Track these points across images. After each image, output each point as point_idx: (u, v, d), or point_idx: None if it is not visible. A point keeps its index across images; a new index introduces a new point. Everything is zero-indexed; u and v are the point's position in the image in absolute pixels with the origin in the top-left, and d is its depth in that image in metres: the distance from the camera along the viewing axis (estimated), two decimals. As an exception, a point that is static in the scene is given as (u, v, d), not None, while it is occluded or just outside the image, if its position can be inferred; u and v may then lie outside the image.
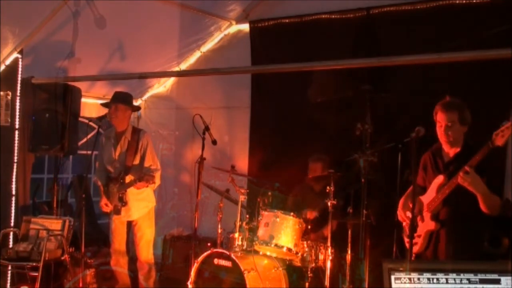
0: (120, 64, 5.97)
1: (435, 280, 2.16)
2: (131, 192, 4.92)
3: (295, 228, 4.59)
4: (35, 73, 5.31)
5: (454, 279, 2.16)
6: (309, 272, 4.60)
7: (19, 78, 5.22)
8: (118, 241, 5.11)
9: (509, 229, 3.78)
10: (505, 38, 4.29)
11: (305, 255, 4.63)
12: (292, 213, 4.64)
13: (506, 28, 4.37)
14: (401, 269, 2.17)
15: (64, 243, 4.69)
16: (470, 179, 3.31)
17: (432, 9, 4.98)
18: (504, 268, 2.17)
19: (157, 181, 4.95)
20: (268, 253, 4.71)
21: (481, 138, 3.39)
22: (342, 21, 5.52)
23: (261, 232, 4.65)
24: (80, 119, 5.54)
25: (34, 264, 4.53)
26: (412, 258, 3.64)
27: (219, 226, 5.02)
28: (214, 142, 4.85)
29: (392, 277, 2.17)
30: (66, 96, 5.19)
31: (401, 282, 2.16)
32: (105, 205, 4.96)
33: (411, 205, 3.67)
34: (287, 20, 5.90)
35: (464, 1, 4.82)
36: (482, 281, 2.15)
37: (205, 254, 4.67)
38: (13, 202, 5.20)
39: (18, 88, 5.23)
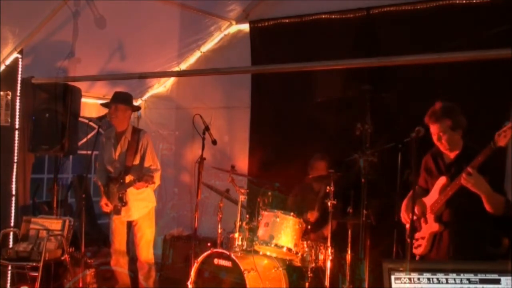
0: (120, 64, 5.97)
1: (435, 280, 2.16)
2: (131, 192, 4.92)
3: (295, 228, 4.59)
4: (35, 73, 5.31)
5: (454, 279, 2.16)
6: (309, 272, 4.60)
7: (19, 78, 5.22)
8: (118, 241, 5.11)
9: (510, 229, 3.79)
10: (505, 38, 4.29)
11: (305, 255, 4.63)
12: (292, 213, 4.63)
13: (506, 28, 4.37)
14: (401, 269, 2.17)
15: (64, 243, 4.69)
16: (474, 180, 3.31)
17: (432, 9, 4.98)
18: (504, 268, 2.17)
19: (157, 181, 4.95)
20: (268, 253, 4.71)
21: (481, 138, 3.39)
22: (342, 21, 5.52)
23: (261, 232, 4.65)
24: (80, 119, 5.54)
25: (34, 264, 4.53)
26: (416, 260, 3.65)
27: (219, 226, 5.02)
28: (214, 142, 4.85)
29: (392, 277, 2.17)
30: (66, 96, 5.19)
31: (401, 282, 2.16)
32: (105, 205, 4.96)
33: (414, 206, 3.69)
34: (287, 20, 5.90)
35: (464, 1, 4.82)
36: (482, 281, 2.15)
37: (205, 254, 4.67)
38: (13, 202, 5.20)
39: (18, 88, 5.23)
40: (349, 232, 4.44)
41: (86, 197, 6.69)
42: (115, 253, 5.14)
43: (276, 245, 4.53)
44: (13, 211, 5.18)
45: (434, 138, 3.59)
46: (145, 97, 7.03)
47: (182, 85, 6.81)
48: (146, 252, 5.13)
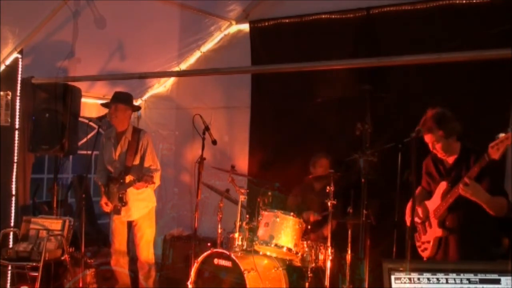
0: (120, 64, 5.97)
1: (435, 280, 2.16)
2: (132, 192, 4.92)
3: (295, 228, 4.59)
4: (35, 73, 5.31)
5: (454, 279, 2.16)
6: (309, 272, 4.60)
7: (19, 78, 5.22)
8: (119, 241, 5.11)
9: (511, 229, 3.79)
10: (505, 38, 4.29)
11: (305, 255, 4.63)
12: (292, 213, 4.64)
13: (506, 28, 4.36)
14: (401, 269, 2.17)
15: (64, 243, 4.69)
16: (471, 191, 3.31)
17: (432, 9, 4.98)
18: (504, 268, 2.17)
19: (157, 181, 4.95)
20: (268, 253, 4.71)
21: (481, 138, 3.38)
22: (342, 21, 5.52)
23: (261, 232, 4.65)
24: (80, 119, 5.54)
25: (34, 264, 4.53)
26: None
27: (219, 226, 5.02)
28: (214, 142, 4.85)
29: (392, 277, 2.17)
30: (66, 96, 5.19)
31: (401, 282, 2.16)
32: (105, 204, 4.96)
33: (418, 209, 3.69)
34: (287, 20, 5.90)
35: (464, 1, 4.82)
36: (482, 281, 2.15)
37: (205, 254, 4.67)
38: (13, 202, 5.20)
39: (18, 88, 5.23)
40: (349, 232, 4.44)
41: (86, 197, 6.69)
42: (115, 253, 5.14)
43: (276, 245, 4.53)
44: (13, 211, 5.18)
45: (429, 146, 3.60)
46: (145, 97, 7.03)
47: (182, 85, 6.81)
48: (146, 252, 5.13)
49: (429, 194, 3.73)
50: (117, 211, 4.92)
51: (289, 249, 4.54)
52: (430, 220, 3.64)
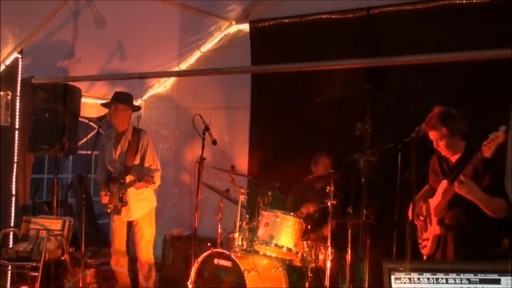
0: (120, 64, 5.97)
1: (435, 280, 2.16)
2: (132, 192, 4.92)
3: (295, 228, 4.59)
4: (35, 73, 5.31)
5: (454, 279, 2.16)
6: (309, 272, 4.60)
7: (19, 78, 5.22)
8: (119, 241, 5.11)
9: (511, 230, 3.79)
10: (505, 38, 4.29)
11: (305, 255, 4.63)
12: (292, 213, 4.64)
13: (506, 28, 4.37)
14: (401, 269, 2.17)
15: (64, 243, 4.69)
16: (466, 188, 3.32)
17: (432, 9, 4.98)
18: (504, 268, 2.17)
19: (157, 181, 4.95)
20: (268, 253, 4.71)
21: (481, 138, 3.38)
22: (342, 21, 5.52)
23: (261, 232, 4.65)
24: (80, 119, 5.54)
25: (34, 264, 4.54)
26: (424, 260, 3.65)
27: (219, 226, 5.02)
28: (214, 142, 4.85)
29: (392, 277, 2.17)
30: (66, 96, 5.19)
31: (401, 282, 2.16)
32: (104, 195, 4.93)
33: (422, 205, 3.72)
34: (287, 20, 5.90)
35: (464, 1, 4.82)
36: (482, 281, 2.15)
37: (205, 254, 4.67)
38: (13, 202, 5.20)
39: (18, 88, 5.23)
40: (349, 232, 4.44)
41: (86, 197, 6.69)
42: (115, 253, 5.13)
43: (276, 245, 4.53)
44: (13, 211, 5.18)
45: (433, 143, 3.61)
46: (145, 97, 7.03)
47: (182, 85, 6.81)
48: (146, 252, 5.12)
49: (433, 192, 3.74)
50: (117, 211, 4.92)
51: (289, 249, 4.54)
52: (431, 217, 3.65)
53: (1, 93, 5.20)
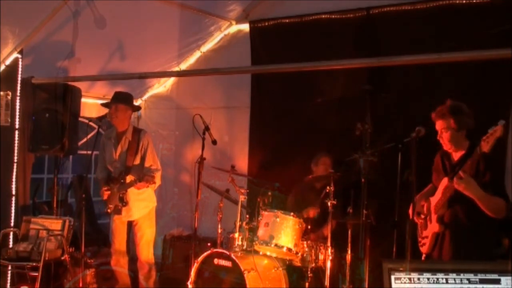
0: (120, 64, 5.97)
1: (435, 280, 2.16)
2: (132, 192, 4.92)
3: (295, 228, 4.59)
4: (35, 73, 5.31)
5: (454, 279, 2.16)
6: (309, 272, 4.60)
7: (19, 78, 5.22)
8: (119, 241, 5.11)
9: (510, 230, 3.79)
10: (505, 38, 4.29)
11: (305, 255, 4.63)
12: (292, 213, 4.64)
13: (506, 28, 4.37)
14: (401, 269, 2.17)
15: (64, 243, 4.69)
16: (464, 185, 3.33)
17: (432, 9, 4.98)
18: (504, 268, 2.17)
19: (158, 181, 4.94)
20: (268, 253, 4.71)
21: (481, 138, 3.38)
22: (342, 21, 5.52)
23: (261, 232, 4.65)
24: (80, 119, 5.54)
25: (34, 264, 4.54)
26: (422, 258, 3.65)
27: (219, 226, 5.02)
28: (214, 142, 4.85)
29: (392, 277, 2.17)
30: (66, 96, 5.20)
31: (401, 282, 2.16)
32: (106, 191, 4.93)
33: (423, 204, 3.73)
34: (287, 20, 5.90)
35: (464, 1, 4.82)
36: (482, 281, 2.15)
37: (205, 254, 4.67)
38: (13, 202, 5.20)
39: (18, 88, 5.23)
40: (349, 232, 4.44)
41: (86, 197, 6.69)
42: (115, 253, 5.13)
43: (276, 245, 4.53)
44: (13, 211, 5.18)
45: (438, 135, 3.61)
46: (145, 97, 7.03)
47: (182, 85, 6.81)
48: (146, 252, 5.12)
49: (435, 191, 3.75)
50: (117, 211, 4.92)
51: (289, 249, 4.54)
52: (431, 215, 3.66)
53: (1, 93, 5.20)
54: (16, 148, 5.23)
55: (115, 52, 5.85)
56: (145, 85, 6.82)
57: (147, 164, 4.98)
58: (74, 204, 6.76)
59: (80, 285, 4.93)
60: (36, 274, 4.48)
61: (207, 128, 4.84)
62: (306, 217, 4.84)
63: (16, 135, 5.24)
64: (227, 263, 4.57)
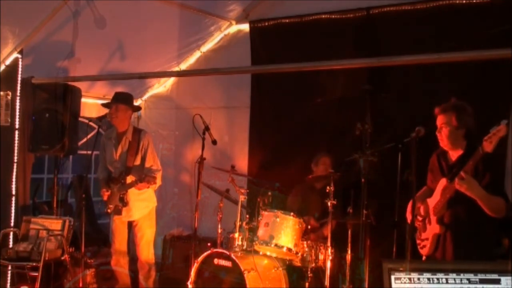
0: (120, 64, 5.97)
1: (435, 280, 2.16)
2: (133, 193, 4.92)
3: (295, 228, 4.59)
4: (35, 73, 5.31)
5: (454, 279, 2.16)
6: (309, 272, 4.60)
7: (19, 78, 5.22)
8: (119, 241, 5.11)
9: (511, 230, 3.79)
10: (505, 38, 4.29)
11: (305, 255, 4.63)
12: (292, 213, 4.63)
13: (506, 28, 4.36)
14: (401, 269, 2.17)
15: (64, 243, 4.69)
16: (466, 185, 3.32)
17: (432, 9, 4.98)
18: (504, 268, 2.17)
19: (158, 181, 4.95)
20: (268, 253, 4.71)
21: (480, 139, 3.38)
22: (342, 21, 5.52)
23: (261, 232, 4.65)
24: (80, 119, 5.54)
25: (34, 264, 4.53)
26: (423, 260, 3.65)
27: (219, 226, 5.02)
28: (214, 142, 4.85)
29: (392, 277, 2.17)
30: (66, 96, 5.20)
31: (401, 282, 2.16)
32: (105, 191, 4.93)
33: (420, 206, 3.71)
34: (287, 20, 5.90)
35: (464, 1, 4.82)
36: (482, 281, 2.15)
37: (205, 254, 4.67)
38: (13, 202, 5.19)
39: (18, 88, 5.23)
40: (349, 232, 4.44)
41: (86, 197, 6.69)
42: (115, 253, 5.14)
43: (276, 245, 4.53)
44: (13, 211, 5.18)
45: (437, 130, 3.61)
46: (145, 97, 7.03)
47: (182, 85, 6.81)
48: (147, 252, 5.13)
49: (432, 192, 3.74)
50: (118, 211, 4.92)
51: (289, 249, 4.54)
52: (430, 217, 3.65)
53: (1, 93, 5.20)
54: (16, 148, 5.23)
55: (115, 52, 5.85)
56: (145, 85, 6.82)
57: (147, 165, 4.98)
58: (74, 204, 6.76)
59: (80, 285, 4.93)
60: (36, 274, 4.48)
61: (207, 128, 4.84)
62: (306, 224, 4.82)
63: (16, 135, 5.24)
64: (227, 263, 4.57)
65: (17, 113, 5.23)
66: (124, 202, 4.87)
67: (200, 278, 4.67)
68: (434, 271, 2.18)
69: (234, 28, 6.36)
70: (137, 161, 5.00)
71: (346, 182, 4.58)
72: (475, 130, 3.59)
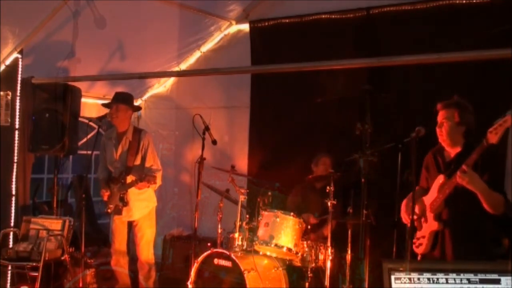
0: (120, 64, 5.97)
1: (435, 280, 2.16)
2: (133, 192, 4.92)
3: (295, 228, 4.59)
4: (35, 73, 5.31)
5: (454, 279, 2.16)
6: (309, 272, 4.60)
7: (19, 78, 5.22)
8: (119, 241, 5.11)
9: (511, 229, 3.78)
10: (505, 38, 4.29)
11: (305, 255, 4.63)
12: (292, 213, 4.64)
13: (506, 28, 4.36)
14: (401, 269, 2.17)
15: (64, 243, 4.69)
16: (468, 178, 3.31)
17: (432, 9, 4.98)
18: (504, 268, 2.17)
19: (158, 181, 4.95)
20: (268, 253, 4.71)
21: (480, 140, 3.38)
22: (342, 21, 5.52)
23: (261, 232, 4.65)
24: (80, 119, 5.54)
25: (34, 264, 4.53)
26: (418, 259, 3.64)
27: (219, 226, 5.02)
28: (214, 142, 4.85)
29: (392, 277, 2.17)
30: (66, 96, 5.20)
31: (401, 282, 2.16)
32: (105, 192, 4.94)
33: (415, 205, 3.68)
34: (287, 20, 5.90)
35: (464, 1, 4.82)
36: (482, 281, 2.15)
37: (205, 254, 4.67)
38: (13, 202, 5.20)
39: (18, 88, 5.23)
40: (349, 232, 4.44)
41: (86, 197, 6.69)
42: (115, 253, 5.14)
43: (276, 245, 4.53)
44: (13, 211, 5.18)
45: (437, 125, 3.60)
46: (145, 97, 7.03)
47: (182, 85, 6.81)
48: (147, 252, 5.13)
49: (426, 192, 3.73)
50: (118, 211, 4.92)
51: (289, 249, 4.54)
52: (426, 214, 3.64)
53: (1, 93, 5.20)
54: (16, 148, 5.23)
55: (115, 52, 5.85)
56: (145, 85, 6.82)
57: (147, 164, 4.99)
58: (74, 204, 6.76)
59: (80, 285, 4.93)
60: (36, 274, 4.48)
61: (207, 128, 4.84)
62: (306, 222, 4.83)
63: (16, 135, 5.24)
64: (227, 263, 4.57)
65: (17, 113, 5.23)
66: (124, 202, 4.87)
67: (200, 278, 4.67)
68: (434, 271, 2.18)
69: (234, 28, 6.36)
70: (137, 161, 5.00)
71: (346, 182, 4.58)
72: (475, 130, 3.59)
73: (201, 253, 4.71)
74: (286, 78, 5.64)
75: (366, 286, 4.15)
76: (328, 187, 4.51)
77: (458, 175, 3.33)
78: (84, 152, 6.18)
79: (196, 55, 6.55)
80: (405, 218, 3.76)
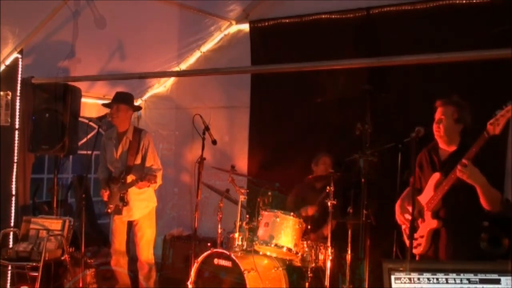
0: (120, 64, 5.97)
1: (435, 280, 2.16)
2: (133, 192, 4.92)
3: (295, 228, 4.59)
4: (35, 73, 5.31)
5: (454, 279, 2.16)
6: (309, 272, 4.60)
7: (19, 78, 5.22)
8: (119, 241, 5.11)
9: (510, 229, 3.78)
10: (505, 38, 4.29)
11: (305, 255, 4.63)
12: (292, 213, 4.64)
13: (506, 28, 4.37)
14: (401, 269, 2.17)
15: (64, 243, 4.69)
16: (468, 172, 3.29)
17: (432, 9, 4.98)
18: (504, 268, 2.17)
19: (159, 181, 4.95)
20: (268, 253, 4.71)
21: (477, 138, 3.38)
22: (342, 21, 5.52)
23: (261, 232, 4.65)
24: (80, 119, 5.54)
25: (34, 264, 4.54)
26: (416, 259, 3.64)
27: (219, 226, 5.02)
28: (214, 142, 4.85)
29: (392, 277, 2.17)
30: (66, 96, 5.20)
31: (401, 282, 2.16)
32: (105, 192, 4.94)
33: (409, 207, 3.67)
34: (287, 20, 5.90)
35: (464, 1, 4.82)
36: (482, 281, 2.15)
37: (205, 254, 4.67)
38: (13, 202, 5.20)
39: (18, 88, 5.23)
40: (349, 232, 4.44)
41: (86, 197, 6.69)
42: (115, 253, 5.14)
43: (276, 245, 4.53)
44: (13, 211, 5.18)
45: (435, 121, 3.60)
46: (145, 97, 7.03)
47: (182, 85, 6.81)
48: (146, 252, 5.13)
49: (418, 192, 3.70)
50: (118, 211, 4.92)
51: (289, 249, 4.54)
52: (424, 213, 3.63)
53: (1, 93, 5.21)
54: (16, 148, 5.23)
55: (115, 52, 5.85)
56: (145, 85, 6.82)
57: (148, 164, 4.99)
58: (74, 204, 6.76)
59: (80, 285, 4.93)
60: (36, 274, 4.48)
61: (207, 128, 4.84)
62: (305, 216, 4.84)
63: (16, 135, 5.24)
64: (227, 263, 4.57)
65: (17, 113, 5.23)
66: (124, 202, 4.87)
67: (200, 278, 4.67)
68: (434, 271, 2.18)
69: (234, 28, 6.36)
70: (138, 161, 5.00)
71: (346, 182, 4.58)
72: (471, 130, 3.59)
73: (201, 253, 4.71)
74: (286, 78, 5.64)
75: (366, 286, 4.15)
76: (328, 187, 4.51)
77: (459, 169, 3.32)
78: (84, 152, 6.18)
79: (196, 55, 6.55)
80: (400, 219, 3.75)
